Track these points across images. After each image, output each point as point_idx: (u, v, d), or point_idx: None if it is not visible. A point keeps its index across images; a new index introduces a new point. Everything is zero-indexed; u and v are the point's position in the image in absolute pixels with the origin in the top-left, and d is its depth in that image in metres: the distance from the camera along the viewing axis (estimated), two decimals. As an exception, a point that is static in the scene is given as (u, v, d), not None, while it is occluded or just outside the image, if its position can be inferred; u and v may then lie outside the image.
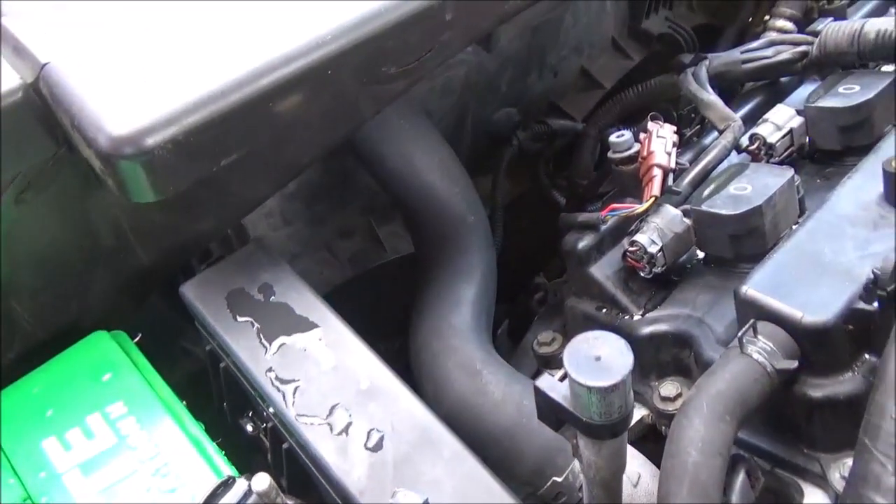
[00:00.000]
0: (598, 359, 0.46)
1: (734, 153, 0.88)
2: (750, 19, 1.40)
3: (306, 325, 0.63)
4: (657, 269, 0.76)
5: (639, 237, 0.76)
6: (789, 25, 1.25)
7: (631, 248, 0.77)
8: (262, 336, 0.62)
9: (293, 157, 0.65)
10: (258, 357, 0.62)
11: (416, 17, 0.59)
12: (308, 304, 0.64)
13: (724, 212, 0.74)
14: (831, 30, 0.91)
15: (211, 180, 0.58)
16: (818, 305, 0.61)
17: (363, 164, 0.85)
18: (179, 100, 0.51)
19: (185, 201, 0.60)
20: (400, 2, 0.58)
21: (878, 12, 1.10)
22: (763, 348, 0.60)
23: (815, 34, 0.96)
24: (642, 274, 0.78)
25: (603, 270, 0.80)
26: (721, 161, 0.85)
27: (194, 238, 0.69)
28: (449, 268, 0.81)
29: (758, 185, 0.75)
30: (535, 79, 1.18)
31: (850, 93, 0.84)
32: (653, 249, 0.75)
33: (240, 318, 0.64)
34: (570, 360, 0.46)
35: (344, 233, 0.99)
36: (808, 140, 0.88)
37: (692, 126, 1.04)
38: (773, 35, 1.19)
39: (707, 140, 0.93)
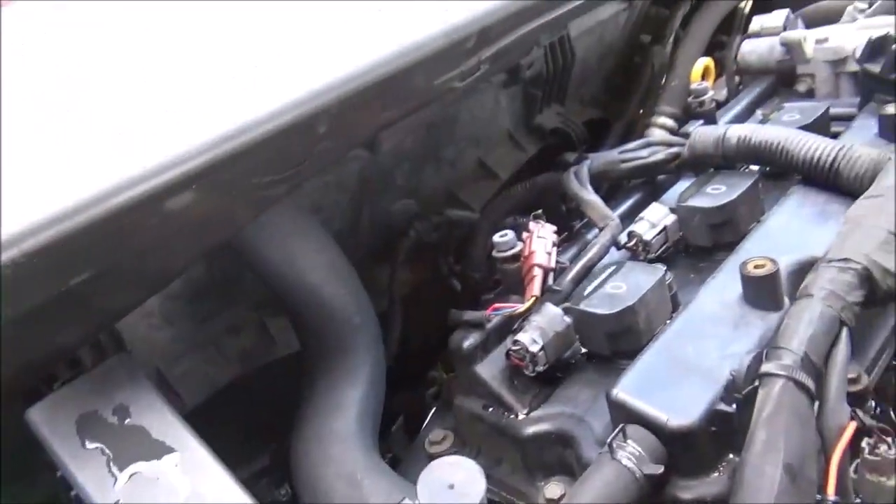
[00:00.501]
0: (451, 486, 0.46)
1: (614, 249, 0.92)
2: (640, 111, 1.50)
3: (162, 450, 0.59)
4: (539, 368, 0.77)
5: (521, 336, 0.77)
6: (670, 122, 1.35)
7: (514, 348, 0.77)
8: (112, 465, 0.58)
9: (163, 267, 0.64)
10: (105, 489, 0.57)
11: (287, 131, 0.60)
12: (166, 425, 0.61)
13: (599, 311, 0.76)
14: (699, 134, 0.98)
15: (67, 293, 0.55)
16: (683, 408, 0.63)
17: (246, 265, 0.84)
18: (20, 221, 0.49)
19: (40, 314, 0.57)
20: (270, 115, 0.59)
21: (744, 116, 1.19)
22: (632, 453, 0.61)
23: (687, 136, 1.03)
24: (526, 372, 0.79)
25: (489, 369, 0.81)
26: (600, 258, 0.88)
27: (55, 350, 0.65)
28: (333, 370, 0.80)
29: (631, 284, 0.78)
30: (431, 171, 1.20)
31: (717, 193, 0.90)
32: (534, 349, 0.76)
33: (89, 445, 0.59)
34: (423, 489, 0.45)
35: (232, 329, 0.96)
36: (681, 236, 0.93)
37: (581, 219, 1.09)
38: (651, 135, 1.28)
39: (591, 235, 0.97)
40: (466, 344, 0.80)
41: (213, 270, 0.92)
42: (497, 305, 0.80)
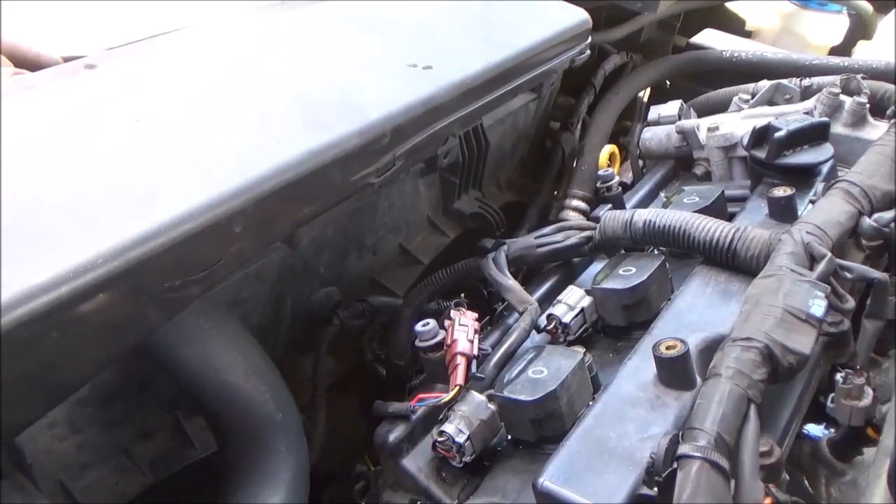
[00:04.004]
0: None
1: (535, 333, 0.94)
2: (555, 193, 1.56)
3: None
4: (467, 458, 0.77)
5: (446, 427, 0.77)
6: (582, 205, 1.42)
7: (440, 439, 0.77)
8: None
9: (70, 377, 0.60)
10: None
11: (200, 233, 0.59)
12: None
13: (523, 397, 0.77)
14: (608, 218, 1.04)
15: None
16: (607, 494, 0.63)
17: (160, 368, 0.80)
18: None
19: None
20: (180, 219, 0.58)
21: (648, 199, 1.27)
22: (560, 545, 0.61)
23: (598, 220, 1.08)
24: (454, 463, 0.78)
25: (415, 462, 0.80)
26: (521, 343, 0.90)
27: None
28: (253, 472, 0.76)
29: (552, 368, 0.80)
30: (354, 259, 1.21)
31: (629, 274, 0.94)
32: (460, 439, 0.76)
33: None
34: None
35: (144, 433, 0.91)
36: (597, 317, 0.96)
37: (502, 301, 1.11)
38: (566, 217, 1.34)
39: (511, 319, 0.99)
40: (392, 437, 0.79)
41: (125, 372, 0.88)
42: (421, 396, 0.79)
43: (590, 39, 1.23)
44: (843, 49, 1.86)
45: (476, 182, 1.40)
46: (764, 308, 0.75)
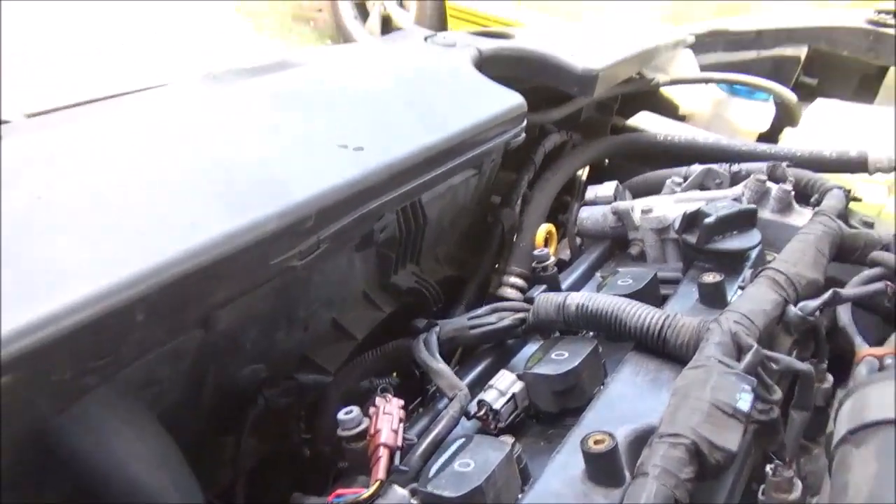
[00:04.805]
0: None
1: (464, 419, 0.91)
2: (495, 267, 1.56)
3: None
4: (386, 560, 0.72)
5: (366, 526, 0.72)
6: (520, 282, 1.41)
7: (358, 539, 0.72)
8: None
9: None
10: None
11: (92, 324, 0.55)
12: None
13: (447, 493, 0.73)
14: (541, 301, 1.03)
15: None
16: None
17: (54, 459, 0.74)
18: None
19: None
20: (67, 310, 0.54)
21: (584, 279, 1.27)
22: None
23: (531, 301, 1.07)
24: (372, 565, 0.73)
25: (332, 563, 0.74)
26: (450, 431, 0.86)
27: None
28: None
29: (479, 461, 0.76)
30: (282, 335, 1.16)
31: (561, 359, 0.93)
32: (380, 539, 0.72)
33: None
34: None
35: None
36: (529, 403, 0.93)
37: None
38: (503, 294, 1.33)
39: (441, 404, 0.96)
40: (308, 536, 0.74)
41: (18, 462, 0.81)
42: (340, 492, 0.75)
43: (525, 123, 1.25)
44: (771, 135, 1.95)
45: (414, 257, 1.38)
46: (692, 401, 0.75)
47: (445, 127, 1.03)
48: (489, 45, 1.36)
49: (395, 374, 1.16)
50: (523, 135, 1.27)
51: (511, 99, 1.19)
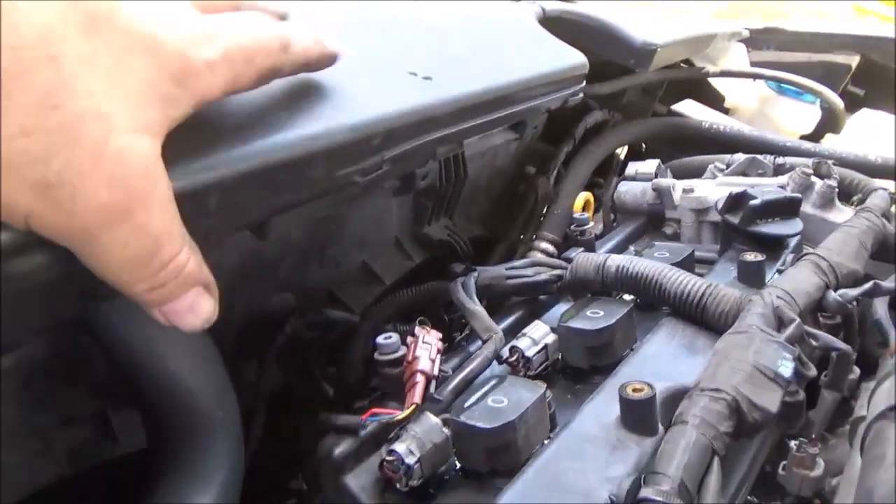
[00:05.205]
0: None
1: (495, 363, 0.91)
2: (521, 236, 1.56)
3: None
4: (414, 482, 0.73)
5: (397, 446, 0.73)
6: (550, 248, 1.41)
7: (389, 458, 0.73)
8: None
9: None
10: None
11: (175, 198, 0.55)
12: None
13: (480, 424, 0.73)
14: (581, 259, 1.03)
15: None
16: (561, 534, 0.60)
17: (97, 342, 0.74)
18: None
19: None
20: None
21: (618, 249, 1.27)
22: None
23: (569, 261, 1.07)
24: (398, 486, 0.73)
25: (359, 480, 0.75)
26: (483, 371, 0.87)
27: None
28: (184, 473, 0.70)
29: (513, 399, 0.77)
30: (315, 268, 1.16)
31: (596, 317, 0.93)
32: (410, 460, 0.72)
33: None
34: None
35: (66, 420, 0.84)
36: (560, 356, 0.94)
37: (462, 331, 1.08)
38: (538, 256, 1.33)
39: (472, 347, 0.96)
40: (338, 451, 0.74)
41: (55, 348, 0.81)
42: (375, 410, 0.75)
43: (584, 83, 1.24)
44: (812, 138, 1.94)
45: (448, 210, 1.38)
46: (733, 362, 0.75)
47: (511, 72, 1.03)
48: (553, 5, 1.35)
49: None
50: (581, 94, 1.26)
51: (575, 56, 1.19)
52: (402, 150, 0.78)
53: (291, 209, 0.73)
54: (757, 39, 2.00)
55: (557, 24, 1.33)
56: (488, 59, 1.05)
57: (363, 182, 0.75)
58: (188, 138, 0.58)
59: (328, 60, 0.72)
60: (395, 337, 0.80)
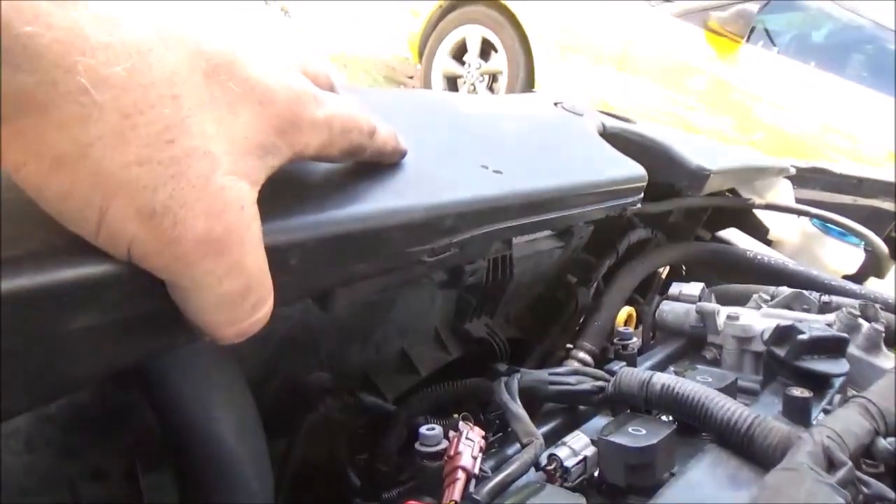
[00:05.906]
0: None
1: (532, 469, 0.89)
2: (556, 343, 1.55)
3: None
4: (444, 585, 0.70)
5: (431, 543, 0.71)
6: (588, 359, 1.40)
7: (423, 555, 0.71)
8: None
9: (65, 373, 0.55)
10: None
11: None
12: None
13: (518, 533, 0.72)
14: (625, 374, 1.02)
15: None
16: None
17: (147, 395, 0.75)
18: None
19: None
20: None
21: (659, 368, 1.26)
22: None
23: (612, 373, 1.06)
24: (429, 585, 0.71)
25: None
26: (521, 475, 0.85)
27: None
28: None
29: (552, 509, 0.75)
30: (357, 350, 1.17)
31: (638, 434, 0.91)
32: (444, 560, 0.70)
33: None
34: None
35: (98, 473, 0.83)
36: (597, 471, 0.91)
37: (494, 433, 1.06)
38: (576, 365, 1.32)
39: (509, 451, 0.95)
40: (370, 542, 0.73)
41: (100, 395, 0.82)
42: (412, 503, 0.74)
43: (642, 195, 1.28)
44: (855, 280, 1.94)
45: (490, 309, 1.39)
46: (784, 499, 0.72)
47: (577, 174, 1.07)
48: (613, 122, 1.41)
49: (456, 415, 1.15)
50: (639, 204, 1.29)
51: (635, 168, 1.23)
52: (470, 234, 0.80)
53: (359, 281, 0.75)
54: (803, 178, 2.04)
55: (615, 140, 1.38)
56: (555, 161, 1.10)
57: (430, 262, 0.77)
58: (277, 195, 0.61)
59: (398, 156, 0.79)
60: (438, 429, 0.80)
